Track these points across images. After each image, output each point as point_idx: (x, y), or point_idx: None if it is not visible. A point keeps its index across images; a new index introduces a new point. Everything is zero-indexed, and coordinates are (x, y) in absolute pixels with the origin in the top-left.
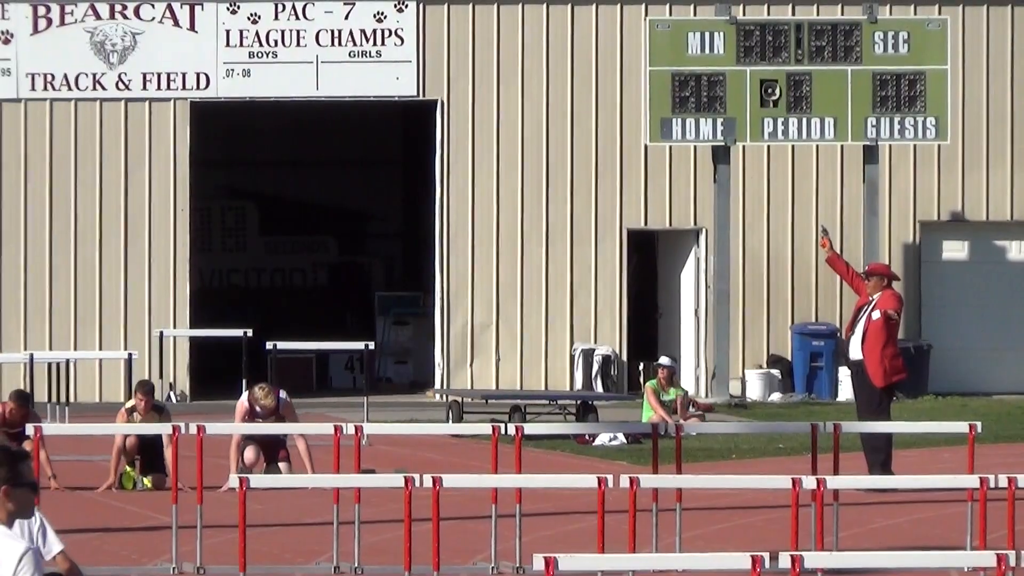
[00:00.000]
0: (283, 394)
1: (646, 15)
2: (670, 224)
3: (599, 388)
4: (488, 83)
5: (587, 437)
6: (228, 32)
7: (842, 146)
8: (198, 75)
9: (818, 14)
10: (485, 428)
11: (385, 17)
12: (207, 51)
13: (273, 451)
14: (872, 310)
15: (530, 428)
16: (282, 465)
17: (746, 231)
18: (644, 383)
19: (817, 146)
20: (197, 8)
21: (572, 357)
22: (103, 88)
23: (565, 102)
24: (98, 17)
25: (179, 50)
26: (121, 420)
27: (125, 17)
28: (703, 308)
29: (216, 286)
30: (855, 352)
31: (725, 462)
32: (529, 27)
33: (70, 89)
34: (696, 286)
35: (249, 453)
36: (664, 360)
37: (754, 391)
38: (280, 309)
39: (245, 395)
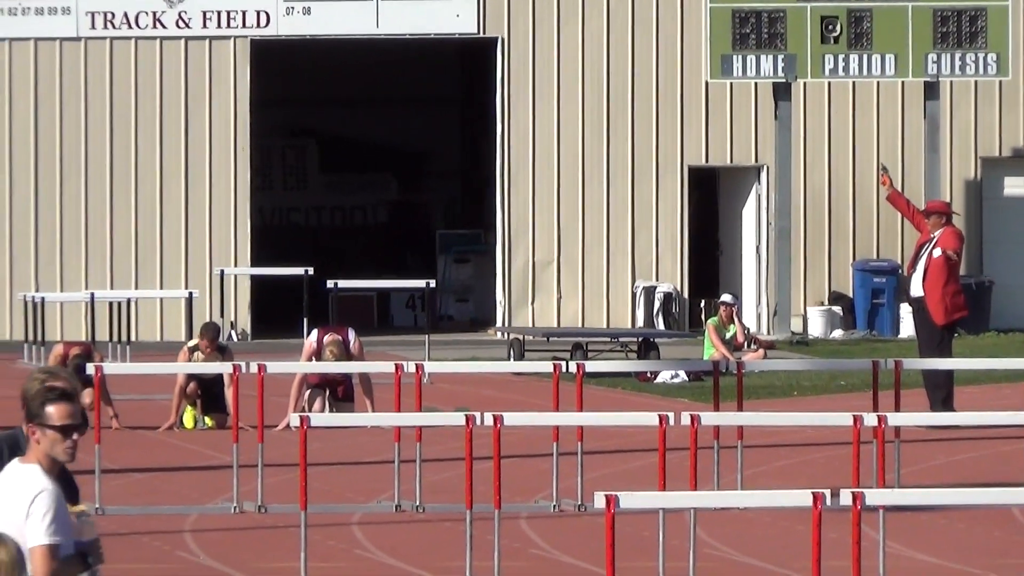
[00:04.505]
0: (352, 334)
1: None
2: (731, 161)
3: (660, 325)
4: (548, 20)
5: (648, 374)
6: None
7: (903, 82)
8: (258, 13)
9: None
10: (546, 366)
11: None
12: None
13: (336, 387)
14: (933, 248)
15: (591, 366)
16: (347, 405)
17: (807, 168)
18: (706, 320)
19: (878, 82)
20: None
21: (633, 294)
22: (163, 26)
23: (626, 39)
24: None
25: None
26: (183, 359)
27: None
28: (764, 245)
29: (277, 224)
30: (916, 289)
31: (786, 399)
32: None
33: (130, 27)
34: (757, 223)
35: (316, 405)
36: (726, 297)
37: (815, 328)
38: (341, 247)
39: (314, 334)
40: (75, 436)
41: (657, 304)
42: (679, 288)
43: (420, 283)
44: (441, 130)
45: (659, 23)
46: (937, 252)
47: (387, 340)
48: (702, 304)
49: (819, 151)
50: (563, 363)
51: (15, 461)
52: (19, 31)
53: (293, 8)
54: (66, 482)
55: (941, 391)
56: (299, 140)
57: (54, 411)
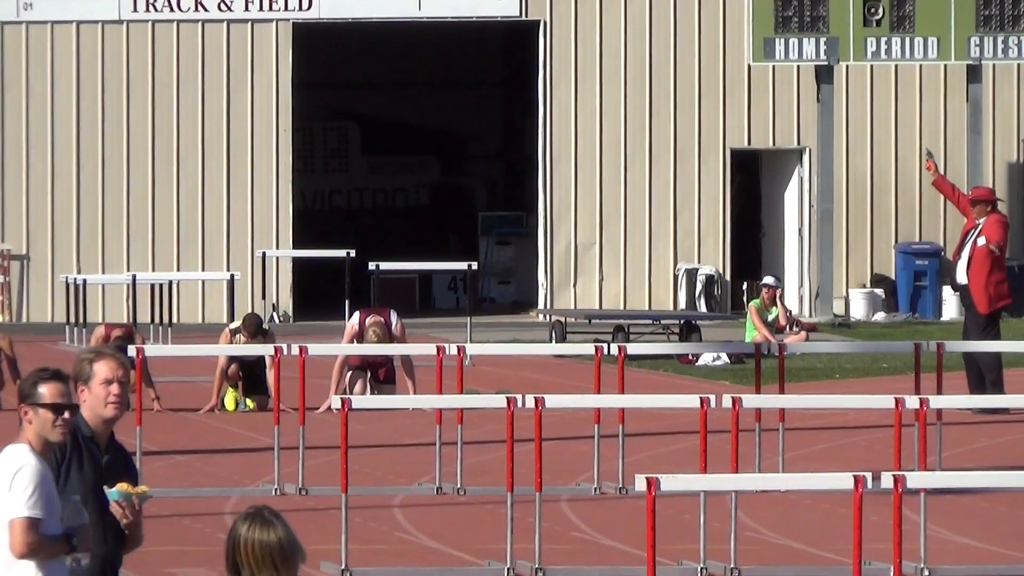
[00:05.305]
0: (394, 316)
1: None
2: (773, 144)
3: (702, 308)
4: (590, 2)
5: (690, 357)
6: None
7: (945, 65)
8: None
9: None
10: (588, 348)
11: None
12: None
13: (378, 369)
14: (978, 236)
15: (633, 348)
16: (389, 388)
17: (849, 150)
18: (747, 303)
19: (920, 65)
20: None
21: (675, 277)
22: (205, 9)
23: (668, 21)
24: None
25: None
26: (224, 341)
27: None
28: (807, 227)
29: (318, 207)
30: (961, 277)
31: (828, 382)
32: None
33: (172, 10)
34: (800, 205)
35: (357, 387)
36: (768, 280)
37: (858, 310)
38: (382, 229)
39: (356, 316)
40: (66, 415)
41: (699, 286)
42: (721, 270)
43: (462, 265)
44: (483, 112)
45: (701, 5)
46: (981, 241)
47: (429, 322)
48: (744, 286)
49: (861, 134)
50: (605, 345)
51: (10, 445)
52: (61, 14)
53: None
54: (125, 463)
55: (992, 372)
56: (341, 123)
57: (46, 390)
